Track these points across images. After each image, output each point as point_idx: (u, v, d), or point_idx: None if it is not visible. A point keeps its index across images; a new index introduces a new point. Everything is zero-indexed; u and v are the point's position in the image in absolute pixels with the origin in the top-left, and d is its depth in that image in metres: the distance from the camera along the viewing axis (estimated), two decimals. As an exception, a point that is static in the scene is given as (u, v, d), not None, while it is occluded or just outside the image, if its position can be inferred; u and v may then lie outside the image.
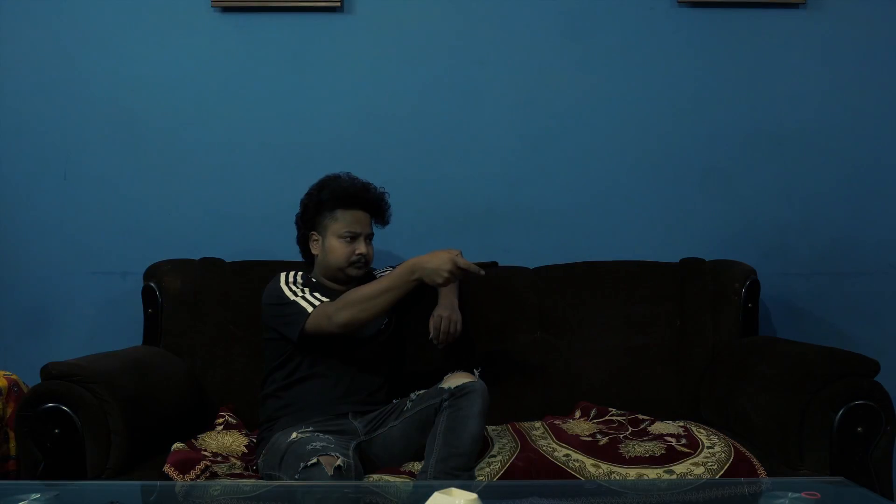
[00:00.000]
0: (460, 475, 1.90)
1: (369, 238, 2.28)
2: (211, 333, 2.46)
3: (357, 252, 2.23)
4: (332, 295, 2.18)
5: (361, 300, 2.06)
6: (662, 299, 2.56)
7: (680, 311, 2.55)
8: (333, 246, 2.24)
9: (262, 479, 1.99)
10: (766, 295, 2.57)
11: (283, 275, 2.24)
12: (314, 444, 1.93)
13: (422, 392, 2.09)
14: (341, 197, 2.25)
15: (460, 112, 2.75)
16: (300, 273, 2.27)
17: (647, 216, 2.76)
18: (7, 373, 2.34)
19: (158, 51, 2.72)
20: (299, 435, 2.00)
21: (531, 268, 2.62)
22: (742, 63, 2.76)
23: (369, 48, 2.74)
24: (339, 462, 1.83)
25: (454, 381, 2.03)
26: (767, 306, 2.71)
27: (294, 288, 2.19)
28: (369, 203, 2.29)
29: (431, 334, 2.24)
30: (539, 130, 2.76)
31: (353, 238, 2.23)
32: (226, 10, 2.72)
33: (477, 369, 2.15)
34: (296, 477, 1.84)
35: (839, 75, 2.76)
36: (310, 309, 2.11)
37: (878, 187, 2.77)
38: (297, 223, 2.34)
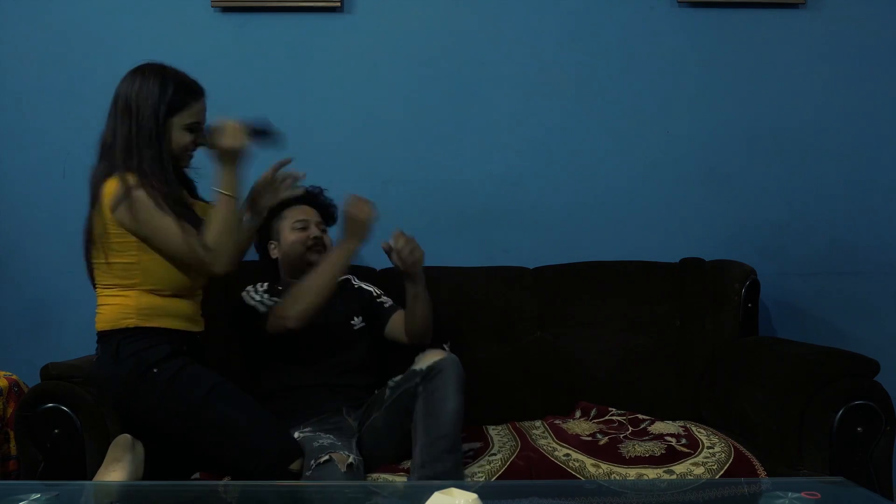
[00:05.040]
0: (446, 457, 1.89)
1: (320, 226, 2.37)
2: (208, 333, 2.45)
3: (311, 236, 2.31)
4: None
5: (307, 289, 2.12)
6: (662, 299, 2.56)
7: (680, 311, 2.55)
8: (288, 239, 2.33)
9: None
10: (766, 295, 2.57)
11: (248, 287, 2.32)
12: (320, 441, 1.95)
13: (398, 378, 2.09)
14: (284, 200, 2.33)
15: (460, 112, 2.75)
16: (266, 283, 2.32)
17: (647, 216, 2.76)
18: (7, 373, 2.34)
19: (158, 51, 2.69)
20: (301, 435, 2.02)
21: (531, 268, 2.62)
22: (742, 63, 2.76)
23: (369, 48, 2.74)
24: (350, 460, 1.85)
25: (425, 361, 2.01)
26: (767, 306, 2.71)
27: (254, 295, 2.27)
28: (311, 198, 2.39)
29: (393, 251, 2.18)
30: (539, 130, 2.76)
31: (305, 226, 2.33)
32: (226, 10, 2.72)
33: (446, 343, 2.15)
34: (307, 474, 1.86)
35: (839, 75, 2.76)
36: (263, 310, 2.20)
37: (878, 187, 2.77)
38: (256, 248, 2.41)
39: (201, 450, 1.96)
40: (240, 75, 2.73)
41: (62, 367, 1.98)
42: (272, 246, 2.39)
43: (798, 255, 2.77)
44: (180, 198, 1.97)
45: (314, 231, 2.33)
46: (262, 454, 1.89)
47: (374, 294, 2.41)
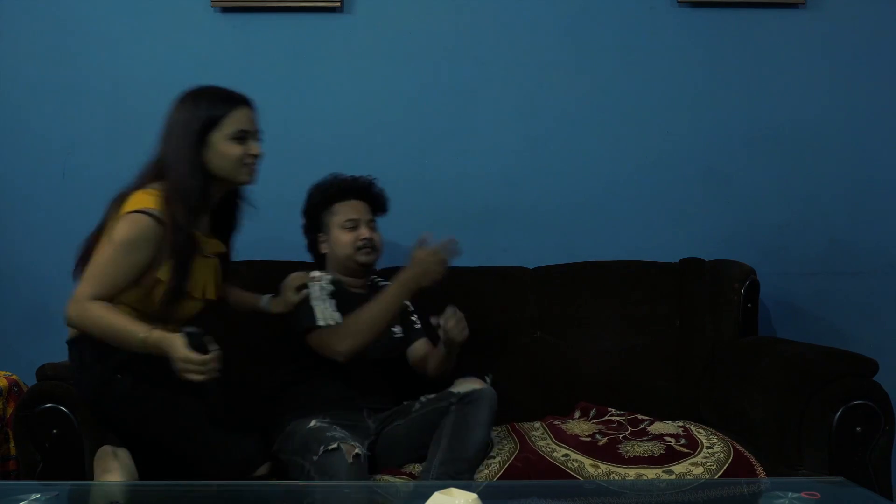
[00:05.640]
0: (465, 476, 1.91)
1: (371, 224, 2.34)
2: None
3: (361, 237, 2.29)
4: (351, 301, 2.20)
5: (362, 327, 2.09)
6: (662, 299, 2.56)
7: (679, 311, 2.55)
8: (338, 238, 2.31)
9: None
10: (766, 295, 2.56)
11: (317, 276, 2.28)
12: (333, 433, 1.96)
13: (432, 396, 2.10)
14: (334, 192, 2.35)
15: (460, 112, 2.75)
16: (329, 277, 2.29)
17: (647, 216, 2.76)
18: (7, 373, 2.34)
19: (158, 50, 2.72)
20: (318, 423, 2.03)
21: (531, 268, 2.62)
22: (742, 63, 2.76)
23: (369, 48, 2.74)
24: (357, 450, 1.86)
25: (464, 386, 2.04)
26: (767, 306, 2.71)
27: (319, 293, 2.22)
28: (361, 191, 2.36)
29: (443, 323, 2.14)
30: (539, 130, 2.76)
31: (355, 225, 2.30)
32: (226, 10, 2.72)
33: (488, 376, 2.15)
34: (314, 459, 1.87)
35: (839, 75, 2.76)
36: (320, 323, 2.15)
37: (878, 187, 2.77)
38: (304, 233, 2.41)
39: (171, 453, 1.94)
40: (240, 75, 2.69)
41: (58, 367, 1.98)
42: (322, 240, 2.36)
43: (798, 255, 2.76)
44: (188, 232, 1.89)
45: (364, 232, 2.29)
46: (225, 460, 1.89)
47: (410, 310, 2.39)
